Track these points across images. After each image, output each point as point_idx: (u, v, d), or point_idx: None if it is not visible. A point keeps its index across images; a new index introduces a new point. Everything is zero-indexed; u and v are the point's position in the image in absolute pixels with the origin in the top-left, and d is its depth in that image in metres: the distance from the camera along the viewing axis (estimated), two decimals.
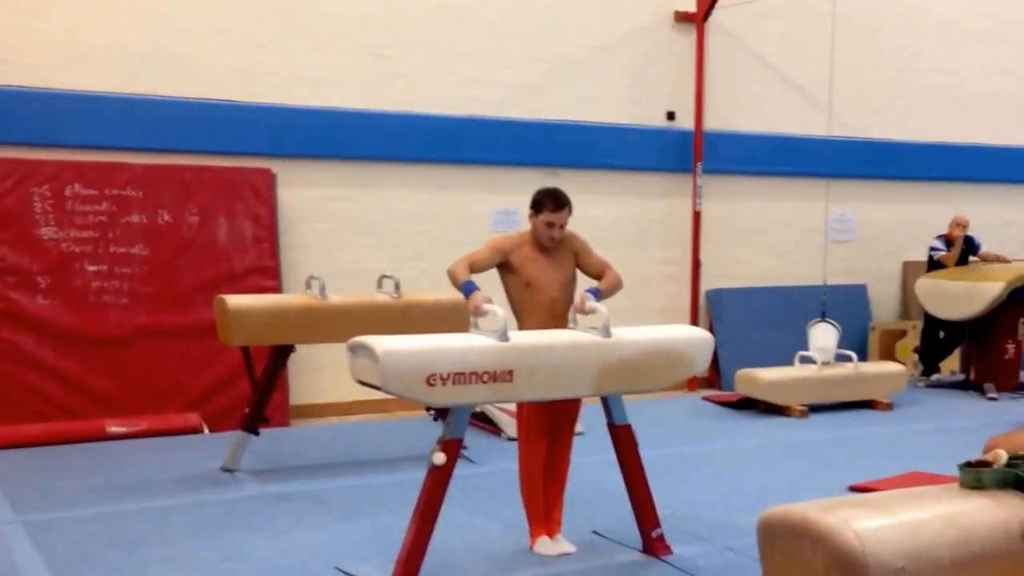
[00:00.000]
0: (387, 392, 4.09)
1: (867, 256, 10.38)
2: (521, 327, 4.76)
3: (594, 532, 5.08)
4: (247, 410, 6.23)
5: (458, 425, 4.30)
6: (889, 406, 8.44)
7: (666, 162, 9.36)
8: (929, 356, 9.66)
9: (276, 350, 6.18)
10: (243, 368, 6.29)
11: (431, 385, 4.05)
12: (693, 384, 9.15)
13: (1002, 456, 2.68)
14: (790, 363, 8.53)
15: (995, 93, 10.76)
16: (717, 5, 9.20)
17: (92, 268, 7.27)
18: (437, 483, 4.28)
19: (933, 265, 9.49)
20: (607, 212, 8.97)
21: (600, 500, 5.50)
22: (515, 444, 5.01)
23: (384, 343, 4.07)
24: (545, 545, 4.80)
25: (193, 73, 7.59)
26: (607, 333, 4.46)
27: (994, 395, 9.02)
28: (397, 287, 6.31)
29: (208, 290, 7.23)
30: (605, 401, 4.71)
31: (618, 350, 4.47)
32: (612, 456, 4.82)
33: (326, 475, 6.16)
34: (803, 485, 5.89)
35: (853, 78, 9.76)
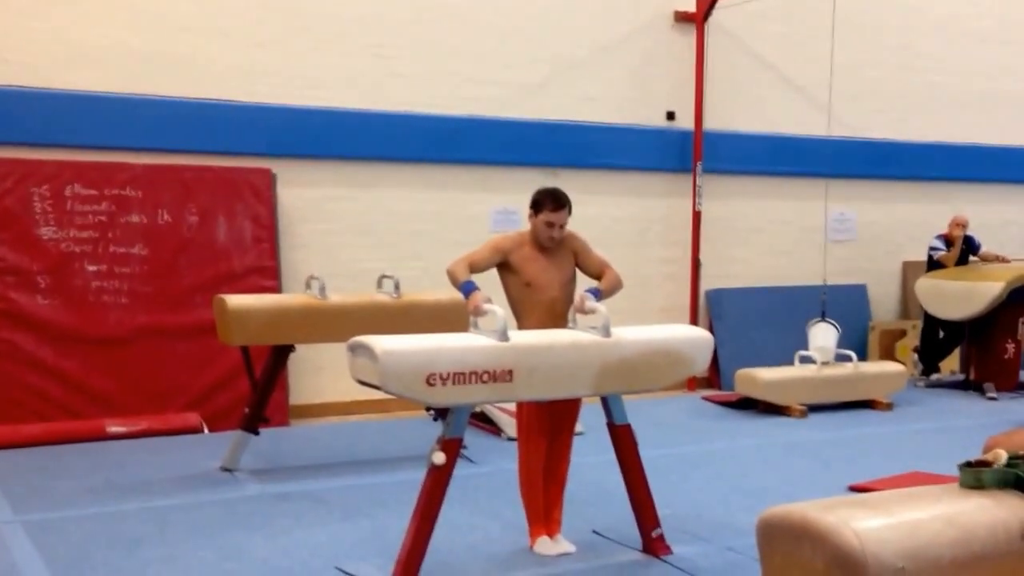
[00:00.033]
0: (387, 392, 4.09)
1: (867, 256, 10.38)
2: (521, 327, 4.76)
3: (594, 532, 5.08)
4: (247, 410, 6.24)
5: (458, 425, 4.31)
6: (889, 406, 8.44)
7: (666, 162, 9.36)
8: (929, 356, 9.66)
9: (276, 350, 6.18)
10: (243, 368, 6.29)
11: (431, 385, 4.05)
12: (693, 384, 9.15)
13: (1002, 456, 2.67)
14: (790, 363, 8.53)
15: (995, 93, 10.75)
16: (717, 5, 9.19)
17: (92, 268, 7.27)
18: (437, 483, 4.29)
19: (933, 265, 9.49)
20: (607, 212, 8.96)
21: (600, 500, 5.50)
22: (515, 444, 5.01)
23: (384, 343, 4.07)
24: (545, 545, 4.80)
25: (193, 73, 7.60)
26: (607, 333, 4.46)
27: (994, 395, 9.02)
28: (397, 287, 6.31)
29: (208, 290, 7.22)
30: (605, 401, 4.71)
31: (618, 350, 4.47)
32: (612, 456, 4.82)
33: (326, 475, 6.16)
34: (803, 485, 5.89)
35: (853, 78, 9.76)
